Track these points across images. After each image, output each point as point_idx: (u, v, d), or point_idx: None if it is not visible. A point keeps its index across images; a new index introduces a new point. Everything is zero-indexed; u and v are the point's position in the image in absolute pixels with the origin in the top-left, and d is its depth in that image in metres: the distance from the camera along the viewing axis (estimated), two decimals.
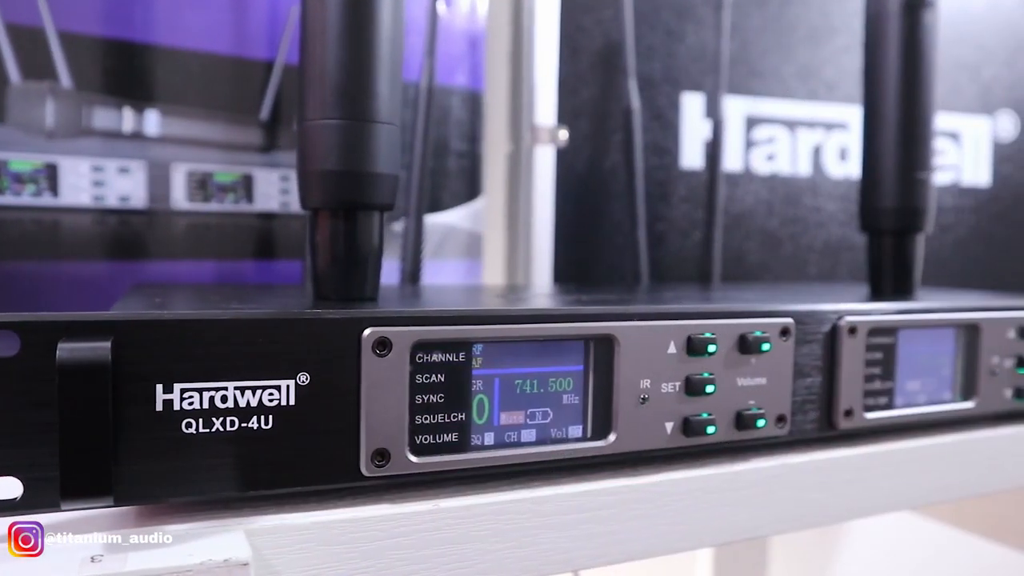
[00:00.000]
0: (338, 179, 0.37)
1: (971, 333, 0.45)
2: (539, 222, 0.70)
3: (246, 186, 0.59)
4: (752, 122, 0.75)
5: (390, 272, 0.64)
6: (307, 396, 0.30)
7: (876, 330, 0.41)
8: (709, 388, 0.36)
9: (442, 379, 0.32)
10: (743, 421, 0.37)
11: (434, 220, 0.67)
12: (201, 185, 0.58)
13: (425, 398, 0.32)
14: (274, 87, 0.59)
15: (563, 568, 0.34)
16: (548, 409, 0.34)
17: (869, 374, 0.41)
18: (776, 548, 0.85)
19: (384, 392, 0.31)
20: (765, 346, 0.37)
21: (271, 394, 0.29)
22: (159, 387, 0.28)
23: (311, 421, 0.30)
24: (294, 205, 0.60)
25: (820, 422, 0.40)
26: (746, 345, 0.37)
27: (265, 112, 0.59)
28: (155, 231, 0.56)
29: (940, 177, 0.78)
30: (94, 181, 0.54)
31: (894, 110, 0.54)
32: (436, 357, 0.32)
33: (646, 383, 0.35)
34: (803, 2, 0.75)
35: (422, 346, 0.31)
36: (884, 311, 0.42)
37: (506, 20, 0.72)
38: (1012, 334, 0.46)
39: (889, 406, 0.42)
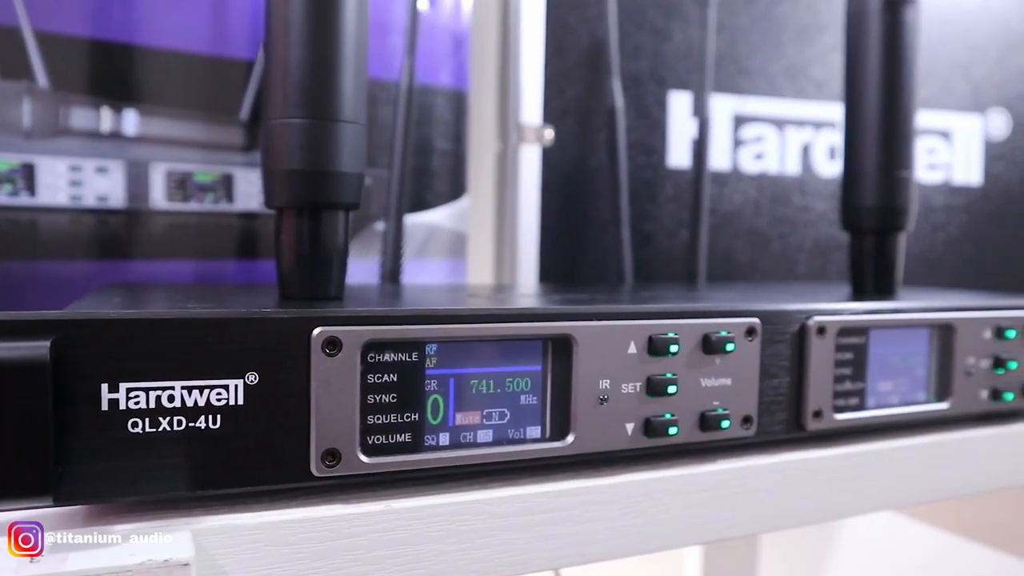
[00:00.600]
0: (302, 178, 0.37)
1: (945, 333, 0.45)
2: (524, 221, 0.70)
3: (226, 186, 0.59)
4: (740, 121, 0.74)
5: (371, 272, 0.64)
6: (256, 396, 0.29)
7: (846, 330, 0.41)
8: (671, 389, 0.36)
9: (394, 379, 0.32)
10: (707, 422, 0.37)
11: (417, 219, 0.66)
12: (180, 185, 0.58)
13: (377, 398, 0.31)
14: (254, 86, 0.59)
15: (520, 570, 0.33)
16: (505, 409, 0.34)
17: (839, 375, 0.41)
18: (767, 548, 0.84)
19: (334, 392, 0.30)
20: (730, 346, 0.37)
21: (219, 394, 0.29)
22: (104, 387, 0.28)
23: (260, 421, 0.30)
24: None
25: (788, 423, 0.40)
26: (710, 345, 0.37)
27: (245, 111, 0.59)
28: (134, 231, 0.56)
29: (931, 176, 0.78)
30: (72, 181, 0.54)
31: (875, 108, 0.54)
32: (388, 357, 0.32)
33: (605, 383, 0.35)
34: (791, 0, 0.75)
35: (373, 346, 0.31)
36: (854, 311, 0.41)
37: (491, 18, 0.72)
38: (988, 334, 0.46)
39: (860, 407, 0.42)
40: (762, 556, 0.83)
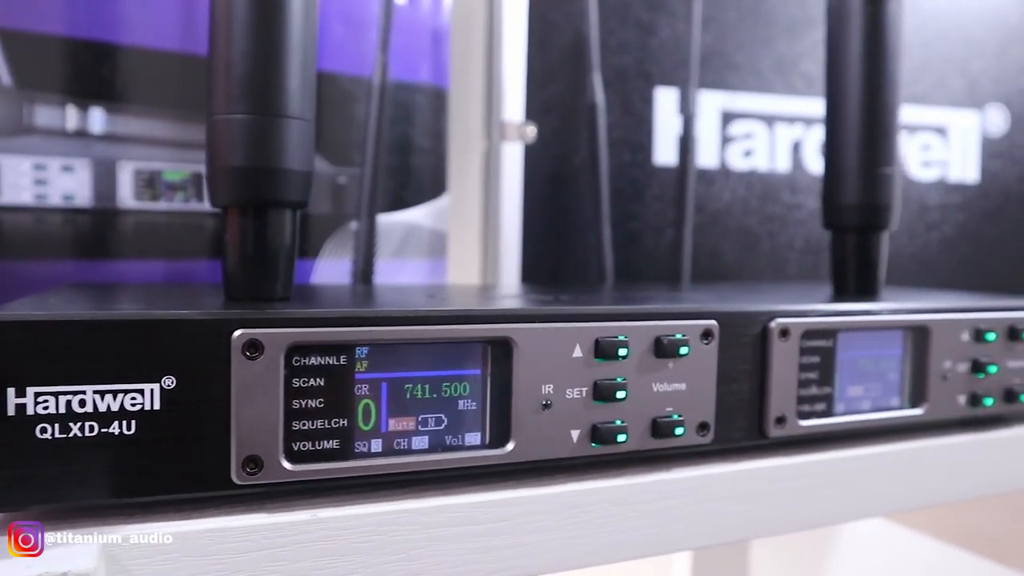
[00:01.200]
0: (245, 176, 0.36)
1: (920, 336, 0.43)
2: (506, 220, 0.69)
3: (196, 184, 0.58)
4: (728, 117, 0.72)
5: (347, 272, 0.63)
6: (173, 400, 0.28)
7: (811, 333, 0.39)
8: (620, 394, 0.34)
9: (321, 383, 0.31)
10: (660, 429, 0.35)
11: (395, 219, 0.65)
12: (149, 184, 0.57)
13: (303, 403, 0.30)
14: None
15: None
16: (442, 415, 0.33)
17: (805, 379, 0.39)
18: (758, 554, 0.82)
19: (256, 397, 0.29)
20: (683, 350, 0.35)
21: (134, 398, 0.28)
22: (11, 391, 0.27)
23: (178, 426, 0.29)
24: None
25: (750, 430, 0.38)
26: (662, 348, 0.35)
27: None
28: (102, 231, 0.56)
29: (926, 173, 0.75)
30: (36, 180, 0.54)
31: (857, 103, 0.52)
32: (314, 360, 0.30)
33: (548, 388, 0.33)
34: None
35: (298, 349, 0.30)
36: (820, 312, 0.39)
37: (472, 14, 0.70)
38: (966, 336, 0.44)
39: (827, 413, 0.40)
40: (752, 562, 0.81)
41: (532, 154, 0.68)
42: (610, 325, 0.34)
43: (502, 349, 0.33)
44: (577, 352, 0.34)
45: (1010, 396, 0.45)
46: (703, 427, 0.36)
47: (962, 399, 0.44)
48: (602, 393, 0.34)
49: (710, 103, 0.72)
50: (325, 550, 0.30)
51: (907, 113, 0.75)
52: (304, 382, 0.30)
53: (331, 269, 0.63)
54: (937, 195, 0.75)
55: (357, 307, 0.32)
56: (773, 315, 0.38)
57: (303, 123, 0.37)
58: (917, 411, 0.43)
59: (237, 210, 0.36)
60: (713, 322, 0.36)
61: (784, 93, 0.73)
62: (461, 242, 0.70)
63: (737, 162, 0.73)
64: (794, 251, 0.73)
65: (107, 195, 0.56)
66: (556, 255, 0.69)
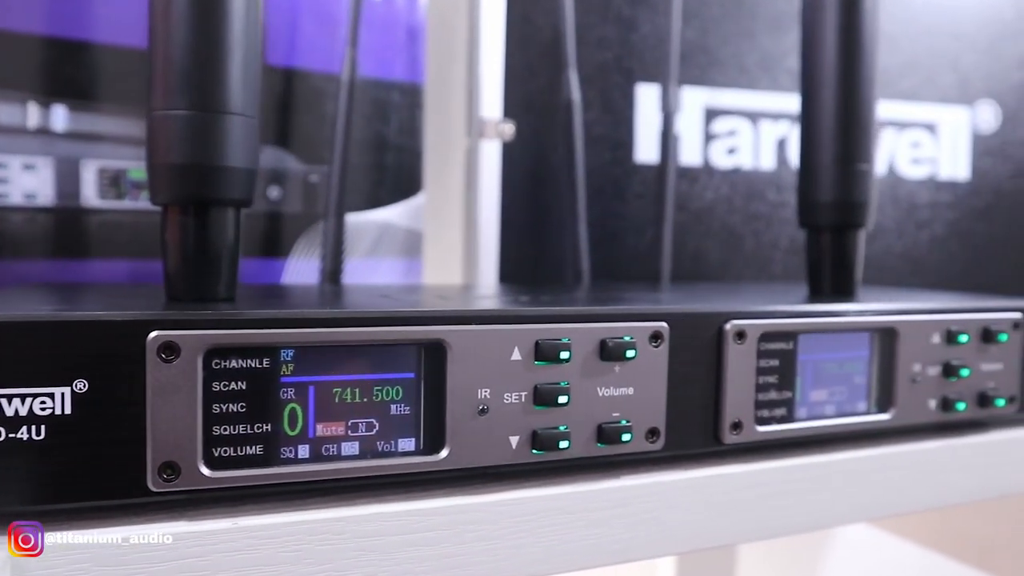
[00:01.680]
0: (185, 173, 0.35)
1: (887, 337, 0.41)
2: (484, 219, 0.67)
3: None
4: (711, 114, 0.71)
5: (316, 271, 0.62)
6: (85, 405, 0.27)
7: (770, 335, 0.38)
8: (562, 399, 0.33)
9: (243, 387, 0.29)
10: (606, 435, 0.34)
11: (369, 217, 0.64)
12: (114, 182, 0.56)
13: (223, 407, 0.29)
14: None
15: None
16: (373, 420, 0.31)
17: (763, 383, 0.38)
18: (745, 557, 0.81)
19: (172, 401, 0.28)
20: (630, 352, 0.34)
21: (43, 402, 0.27)
22: None
23: (90, 431, 0.28)
24: None
25: (704, 436, 0.37)
26: (607, 351, 0.34)
27: None
28: (64, 229, 0.55)
29: (915, 171, 0.73)
30: None
31: (832, 98, 0.51)
32: (235, 363, 0.29)
33: (485, 393, 0.32)
34: None
35: (218, 351, 0.29)
36: (779, 314, 0.38)
37: (449, 10, 0.69)
38: (937, 339, 0.42)
39: (788, 418, 0.39)
40: (740, 565, 0.80)
41: (511, 152, 0.67)
42: (552, 327, 0.33)
43: (435, 352, 0.32)
44: (516, 355, 0.32)
45: (984, 400, 0.43)
46: (653, 433, 0.35)
47: (933, 403, 0.42)
48: (543, 398, 0.33)
49: (693, 100, 0.70)
50: (248, 560, 0.29)
51: (896, 109, 0.73)
52: (224, 386, 0.29)
53: (303, 269, 0.62)
54: (927, 193, 0.73)
55: (284, 309, 0.31)
56: (728, 317, 0.36)
57: (246, 119, 0.36)
58: (884, 416, 0.41)
59: (177, 208, 0.35)
60: (663, 324, 0.35)
61: (769, 89, 0.71)
62: (437, 241, 0.69)
63: (721, 160, 0.71)
64: (779, 251, 0.72)
65: (71, 194, 0.55)
66: (535, 254, 0.68)
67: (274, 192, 0.61)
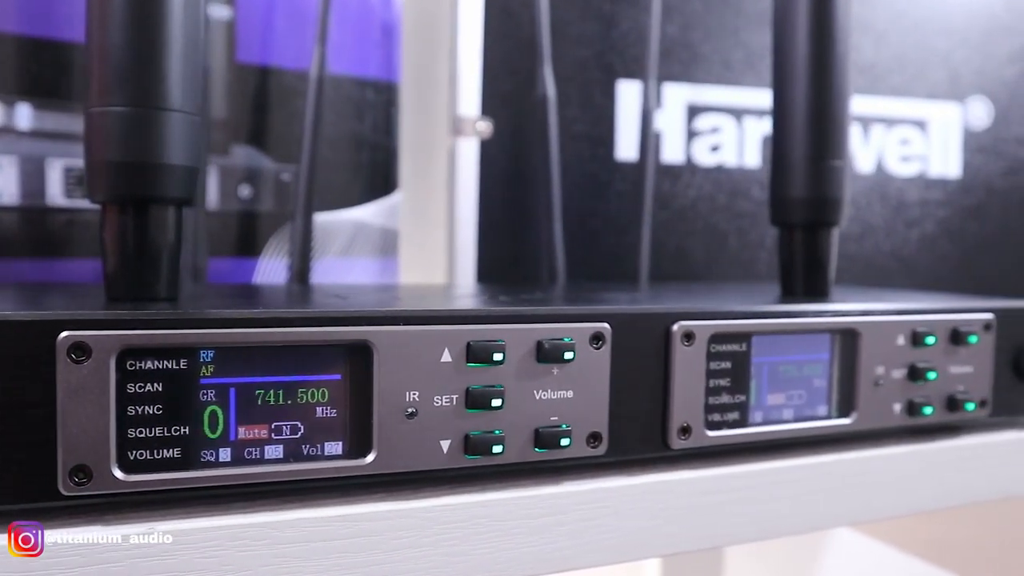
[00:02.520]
0: (122, 171, 0.34)
1: (848, 339, 0.40)
2: (462, 218, 0.67)
3: None
4: (694, 111, 0.70)
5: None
6: None
7: (721, 336, 0.36)
8: (496, 402, 0.32)
9: (159, 389, 0.29)
10: (544, 439, 0.33)
11: (343, 216, 0.64)
12: (80, 181, 0.56)
13: (139, 410, 0.28)
14: None
15: None
16: (298, 423, 0.31)
17: (714, 386, 0.37)
18: (733, 560, 0.79)
19: (84, 403, 0.28)
20: (568, 354, 0.33)
21: None
22: None
23: (1, 434, 0.27)
24: None
25: (651, 442, 0.35)
26: (544, 353, 0.33)
27: None
28: (29, 229, 0.54)
29: (905, 168, 0.72)
30: None
31: (803, 93, 0.49)
32: (151, 364, 0.29)
33: (414, 395, 0.31)
34: None
35: (133, 352, 0.28)
36: (730, 315, 0.37)
37: (425, 5, 0.68)
38: (902, 340, 0.41)
39: (741, 423, 0.37)
40: (727, 566, 0.78)
41: (489, 150, 0.66)
42: (484, 328, 0.32)
43: (361, 353, 0.31)
44: (446, 356, 0.31)
45: (953, 404, 0.42)
46: (594, 438, 0.34)
47: (898, 407, 0.41)
48: (476, 401, 0.32)
49: (675, 96, 0.69)
50: (164, 566, 0.28)
51: (885, 106, 0.71)
52: (140, 387, 0.28)
53: (275, 268, 0.61)
54: (916, 191, 0.71)
55: (221, 309, 0.30)
56: (676, 318, 0.35)
57: (186, 116, 0.35)
58: (845, 421, 0.40)
59: (115, 207, 0.35)
60: (605, 325, 0.34)
61: (754, 86, 0.70)
62: (413, 241, 0.68)
63: (704, 157, 0.70)
64: (764, 250, 0.70)
65: (35, 193, 0.54)
66: (514, 254, 0.67)
67: (245, 191, 0.61)
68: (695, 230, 0.70)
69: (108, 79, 0.34)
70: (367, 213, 0.65)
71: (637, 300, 0.40)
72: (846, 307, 0.40)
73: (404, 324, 0.31)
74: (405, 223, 0.68)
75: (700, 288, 0.57)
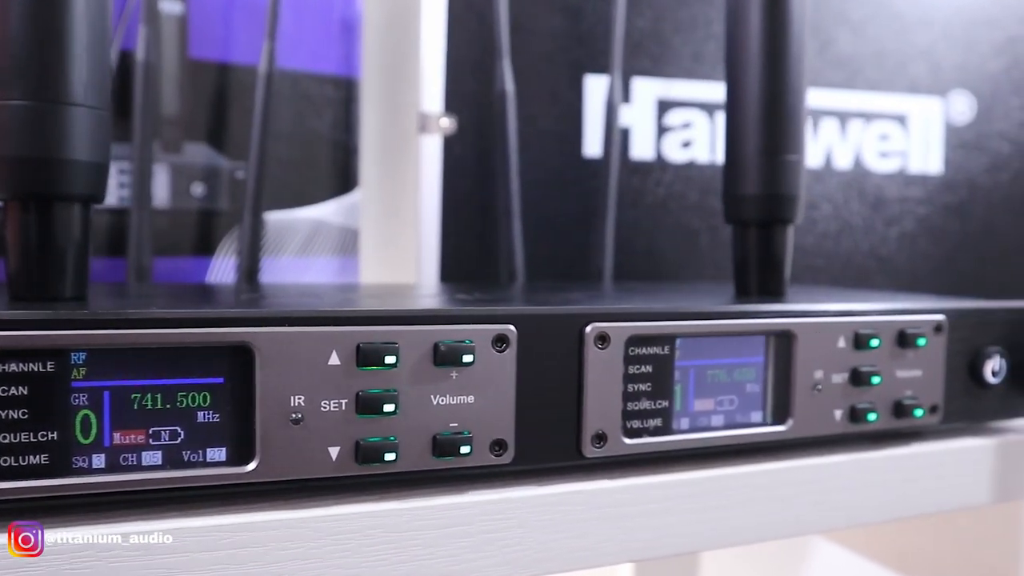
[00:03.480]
0: (23, 167, 0.33)
1: (784, 342, 0.38)
2: (424, 216, 0.65)
3: None
4: (665, 106, 0.68)
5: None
6: None
7: (639, 339, 0.35)
8: (388, 407, 0.31)
9: (25, 392, 0.28)
10: (442, 447, 0.31)
11: (300, 215, 0.62)
12: None
13: (3, 414, 0.27)
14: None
15: None
16: (178, 428, 0.29)
17: (633, 392, 0.35)
18: (709, 561, 0.77)
19: None
20: (467, 357, 0.31)
21: None
22: None
23: None
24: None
25: (562, 449, 0.34)
26: (441, 356, 0.31)
27: None
28: None
29: (883, 164, 0.69)
30: None
31: (757, 84, 0.47)
32: (15, 367, 0.27)
33: (299, 400, 0.30)
34: None
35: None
36: (649, 316, 0.35)
37: (387, 1, 0.67)
38: (843, 343, 0.39)
39: (664, 430, 0.36)
40: (703, 570, 0.76)
41: (453, 147, 0.64)
42: (376, 329, 0.30)
43: (243, 356, 0.29)
44: (334, 359, 0.30)
45: (900, 410, 0.40)
46: (499, 445, 0.32)
47: (839, 414, 0.39)
48: (367, 406, 0.30)
49: (645, 91, 0.67)
50: None
51: (863, 100, 0.69)
52: (3, 391, 0.27)
53: (229, 267, 0.60)
54: (895, 187, 0.69)
55: (128, 310, 0.29)
56: (589, 319, 0.34)
57: (91, 111, 0.34)
58: (780, 428, 0.38)
59: (17, 204, 0.34)
60: (510, 327, 0.32)
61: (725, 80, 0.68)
62: (374, 239, 0.67)
63: (675, 153, 0.68)
64: None
65: None
66: (478, 252, 0.65)
67: (198, 189, 0.60)
68: (665, 228, 0.68)
69: (6, 71, 0.33)
70: (326, 211, 0.64)
71: (573, 300, 0.39)
72: (781, 308, 0.38)
73: (287, 325, 0.29)
74: (366, 221, 0.67)
75: (662, 288, 0.55)
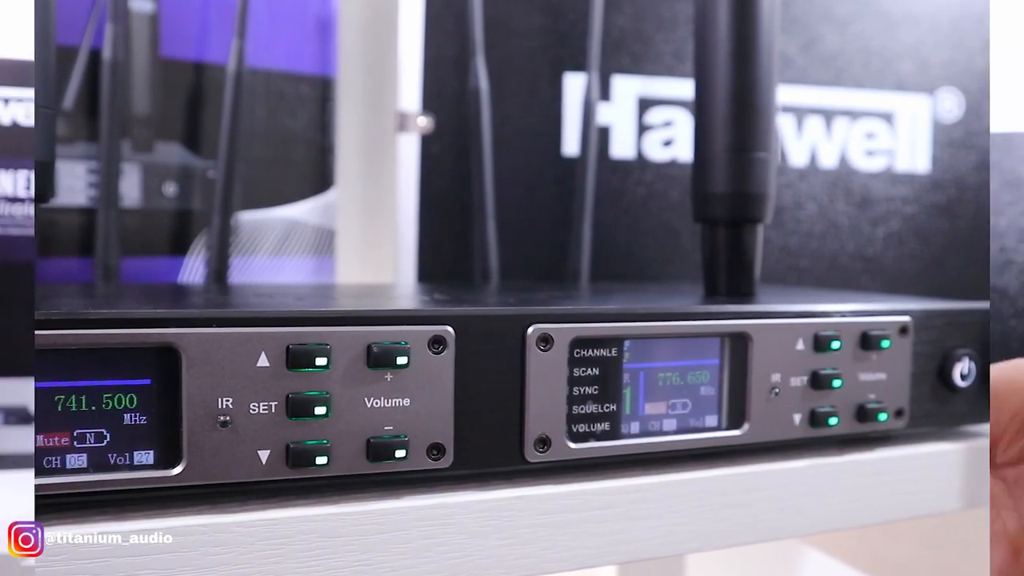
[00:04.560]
0: None
1: (739, 344, 0.37)
2: (402, 216, 0.65)
3: None
4: (645, 104, 0.67)
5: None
6: None
7: (584, 341, 0.34)
8: (320, 410, 0.30)
9: None
10: (376, 450, 0.31)
11: (275, 214, 0.62)
12: None
13: None
14: (79, 74, 0.56)
15: None
16: (104, 430, 0.29)
17: (578, 395, 0.34)
18: (694, 564, 0.76)
19: None
20: (402, 359, 0.31)
21: None
22: None
23: None
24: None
25: (504, 454, 0.33)
26: (374, 358, 0.30)
27: (68, 101, 0.56)
28: None
29: (870, 163, 0.68)
30: None
31: (725, 80, 0.46)
32: None
33: (227, 402, 0.29)
34: None
35: None
36: (595, 316, 0.34)
37: None
38: (802, 345, 0.38)
39: (612, 435, 0.35)
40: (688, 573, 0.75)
41: (431, 146, 0.64)
42: (307, 330, 0.30)
43: (169, 357, 0.29)
44: (263, 361, 0.29)
45: (863, 415, 0.39)
46: (437, 449, 0.32)
47: (798, 418, 0.38)
48: (297, 409, 0.30)
49: (625, 89, 0.66)
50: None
51: (848, 98, 0.68)
52: None
53: (201, 267, 0.60)
54: (882, 186, 0.68)
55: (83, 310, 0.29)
56: (531, 320, 0.33)
57: (39, 111, 0.34)
58: (735, 432, 0.37)
59: None
60: (447, 328, 0.32)
61: None
62: (351, 239, 0.67)
63: (656, 152, 0.67)
64: None
65: None
66: (456, 252, 0.64)
67: (170, 188, 0.59)
68: (647, 228, 0.67)
69: None
70: (301, 211, 0.63)
71: (525, 301, 0.38)
72: (736, 308, 0.37)
73: (213, 326, 0.29)
74: (343, 221, 0.66)
75: (633, 288, 0.54)
